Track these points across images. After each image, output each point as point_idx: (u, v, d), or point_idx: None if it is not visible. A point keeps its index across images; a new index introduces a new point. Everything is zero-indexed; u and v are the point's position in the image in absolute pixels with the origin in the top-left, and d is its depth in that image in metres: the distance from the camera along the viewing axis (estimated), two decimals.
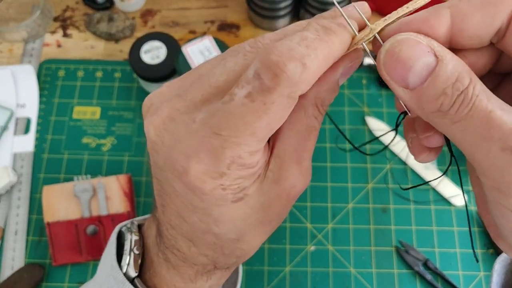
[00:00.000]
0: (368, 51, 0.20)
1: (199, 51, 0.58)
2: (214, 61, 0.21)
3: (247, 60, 0.19)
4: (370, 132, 0.62)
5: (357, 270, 0.56)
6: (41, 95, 0.65)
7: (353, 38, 0.19)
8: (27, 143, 0.62)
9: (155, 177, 0.22)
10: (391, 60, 0.17)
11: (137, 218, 0.30)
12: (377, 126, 0.62)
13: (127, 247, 0.27)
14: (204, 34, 0.69)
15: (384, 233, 0.57)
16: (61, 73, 0.67)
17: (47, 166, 0.61)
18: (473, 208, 0.58)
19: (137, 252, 0.27)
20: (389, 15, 0.20)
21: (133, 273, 0.26)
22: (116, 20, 0.69)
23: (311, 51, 0.17)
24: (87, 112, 0.64)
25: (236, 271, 0.33)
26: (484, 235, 0.57)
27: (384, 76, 0.18)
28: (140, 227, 0.29)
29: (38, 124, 0.64)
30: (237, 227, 0.22)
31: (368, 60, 0.65)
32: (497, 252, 0.56)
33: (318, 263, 0.56)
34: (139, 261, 0.26)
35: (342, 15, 0.19)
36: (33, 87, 0.65)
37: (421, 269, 0.55)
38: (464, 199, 0.25)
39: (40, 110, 0.64)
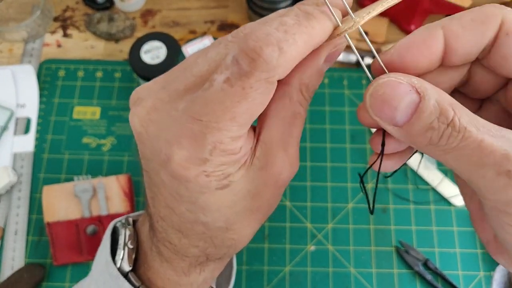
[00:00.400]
0: (351, 44, 0.20)
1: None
2: (198, 53, 0.21)
3: (228, 49, 0.19)
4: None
5: (357, 270, 0.56)
6: (41, 95, 0.65)
7: (335, 29, 0.19)
8: (27, 143, 0.62)
9: (144, 169, 0.22)
10: (376, 102, 0.18)
11: (132, 214, 0.30)
12: None
13: (121, 241, 0.27)
14: (204, 34, 0.69)
15: (384, 233, 0.57)
16: (61, 73, 0.67)
17: (47, 166, 0.61)
18: None
19: (131, 246, 0.27)
20: (372, 5, 0.20)
21: (127, 268, 0.26)
22: (116, 20, 0.69)
23: (289, 36, 0.18)
24: (87, 112, 0.64)
25: (231, 265, 0.33)
26: None
27: (372, 117, 0.18)
28: (134, 222, 0.29)
29: (38, 124, 0.64)
30: (224, 215, 0.22)
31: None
32: None
33: (318, 263, 0.56)
34: (133, 255, 0.27)
35: (326, 3, 0.19)
36: (33, 87, 0.65)
37: (421, 269, 0.55)
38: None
39: (40, 110, 0.64)
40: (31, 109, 0.64)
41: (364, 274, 0.56)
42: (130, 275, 0.26)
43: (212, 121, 0.18)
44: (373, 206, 0.23)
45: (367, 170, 0.23)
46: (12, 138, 0.62)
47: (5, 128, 0.62)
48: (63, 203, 0.56)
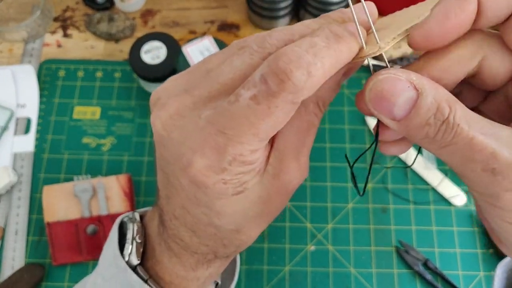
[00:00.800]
0: (370, 64, 0.21)
1: (199, 51, 0.58)
2: (221, 56, 0.21)
3: (254, 60, 0.20)
4: (370, 132, 0.62)
5: (357, 270, 0.56)
6: (41, 95, 0.65)
7: (360, 50, 0.20)
8: (27, 143, 0.62)
9: (161, 169, 0.23)
10: (375, 97, 0.19)
11: (138, 210, 0.31)
12: None
13: (129, 235, 0.27)
14: (204, 34, 0.69)
15: (384, 233, 0.57)
16: (61, 73, 0.67)
17: (47, 166, 0.61)
18: (473, 208, 0.58)
19: (139, 240, 0.27)
20: (396, 27, 0.20)
21: (135, 261, 0.27)
22: (116, 20, 0.69)
23: (318, 59, 0.18)
24: (87, 112, 0.64)
25: (234, 261, 0.34)
26: (484, 235, 0.57)
27: (372, 111, 0.19)
28: (142, 218, 0.29)
29: (38, 124, 0.64)
30: (237, 220, 0.22)
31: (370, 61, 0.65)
32: (497, 252, 0.56)
33: (318, 263, 0.56)
34: (141, 249, 0.27)
35: (355, 22, 0.19)
36: (33, 87, 0.65)
37: (421, 269, 0.55)
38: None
39: (40, 110, 0.64)
40: (31, 109, 0.64)
41: (364, 274, 0.56)
42: (139, 269, 0.27)
43: (236, 135, 0.19)
44: (365, 188, 0.24)
45: (360, 156, 0.25)
46: (12, 138, 0.62)
47: (5, 128, 0.62)
48: (63, 203, 0.56)
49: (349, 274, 0.56)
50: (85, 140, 0.63)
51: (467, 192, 0.59)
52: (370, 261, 0.56)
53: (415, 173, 0.60)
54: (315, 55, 0.18)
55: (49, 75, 0.67)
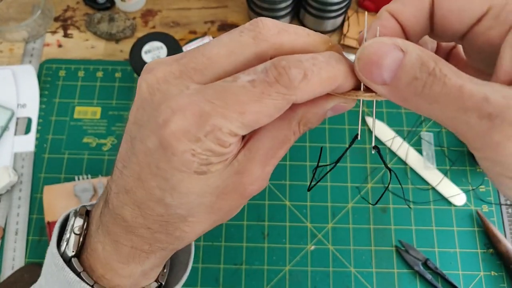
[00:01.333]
0: (360, 110, 0.23)
1: None
2: (214, 41, 0.22)
3: (243, 37, 0.21)
4: (370, 132, 0.63)
5: (357, 269, 0.56)
6: (41, 95, 0.65)
7: (355, 89, 0.22)
8: (27, 143, 0.62)
9: (129, 135, 0.23)
10: (364, 64, 0.20)
11: (89, 203, 0.30)
12: (377, 126, 0.62)
13: (68, 228, 0.27)
14: (204, 34, 0.69)
15: (384, 233, 0.57)
16: (62, 73, 0.67)
17: (47, 166, 0.61)
18: (473, 208, 0.59)
19: (78, 232, 0.27)
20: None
21: (70, 253, 0.26)
22: (117, 20, 0.69)
23: (315, 68, 0.20)
24: (87, 112, 0.64)
25: (189, 253, 0.32)
26: (484, 235, 0.57)
27: (363, 80, 0.20)
28: (90, 212, 0.28)
29: (39, 124, 0.64)
30: (189, 203, 0.22)
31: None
32: (497, 252, 0.56)
33: (318, 262, 0.56)
34: (80, 241, 0.27)
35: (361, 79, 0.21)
36: (34, 87, 0.65)
37: (421, 268, 0.55)
38: None
39: (41, 110, 0.64)
40: (31, 109, 0.64)
41: (364, 274, 0.56)
42: (73, 261, 0.26)
43: (222, 106, 0.19)
44: (337, 162, 0.25)
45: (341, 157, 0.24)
46: (12, 138, 0.62)
47: (5, 128, 0.62)
48: (63, 203, 0.56)
49: (349, 273, 0.56)
50: (86, 140, 0.63)
51: (467, 192, 0.59)
52: (370, 261, 0.56)
53: (415, 173, 0.60)
54: (314, 64, 0.20)
55: (49, 75, 0.67)
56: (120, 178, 0.23)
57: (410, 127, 0.63)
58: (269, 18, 0.21)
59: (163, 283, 0.30)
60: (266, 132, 0.22)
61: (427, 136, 0.62)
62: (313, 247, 0.57)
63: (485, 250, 0.56)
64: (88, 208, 0.29)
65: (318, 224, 0.58)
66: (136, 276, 0.26)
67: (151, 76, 0.21)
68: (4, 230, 0.58)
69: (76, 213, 0.27)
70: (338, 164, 0.61)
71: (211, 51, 0.21)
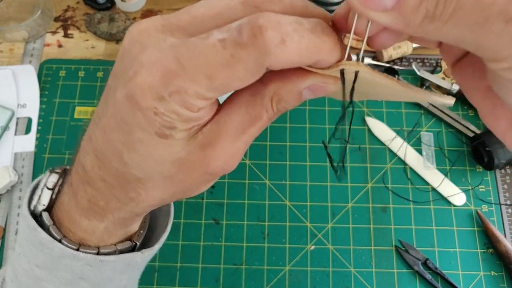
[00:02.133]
0: (342, 84, 0.20)
1: None
2: (203, 1, 0.22)
3: (233, 2, 0.20)
4: (370, 132, 0.63)
5: (357, 269, 0.56)
6: (42, 95, 0.65)
7: (339, 60, 0.19)
8: (28, 143, 0.62)
9: (108, 85, 0.22)
10: None
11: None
12: (377, 126, 0.62)
13: (41, 184, 0.26)
14: None
15: (384, 232, 0.58)
16: (62, 73, 0.67)
17: (47, 166, 0.61)
18: (473, 207, 0.59)
19: (50, 187, 0.26)
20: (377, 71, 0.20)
21: (40, 208, 0.26)
22: (117, 20, 0.69)
23: (296, 34, 0.17)
24: (88, 112, 0.64)
25: (168, 213, 0.31)
26: (484, 235, 0.57)
27: (362, 11, 0.17)
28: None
29: (39, 124, 0.64)
30: (147, 167, 0.21)
31: (368, 60, 0.65)
32: (497, 252, 0.56)
33: (318, 262, 0.56)
34: (52, 196, 0.26)
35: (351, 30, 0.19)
36: (34, 87, 0.65)
37: (421, 268, 0.55)
38: None
39: (41, 110, 0.64)
40: (32, 109, 0.64)
41: (364, 274, 0.56)
42: (43, 215, 0.26)
43: (189, 68, 0.18)
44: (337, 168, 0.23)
45: (333, 133, 0.23)
46: (13, 138, 0.62)
47: (6, 128, 0.62)
48: None
49: (349, 273, 0.56)
50: None
51: (466, 192, 0.59)
52: (370, 260, 0.56)
53: (415, 173, 0.60)
54: (296, 30, 0.18)
55: (49, 75, 0.67)
56: (91, 125, 0.23)
57: (410, 127, 0.63)
58: None
59: (138, 243, 0.29)
60: (236, 106, 0.21)
61: (427, 136, 0.62)
62: (313, 247, 0.57)
63: (485, 250, 0.56)
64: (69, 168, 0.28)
65: (318, 224, 0.58)
66: (99, 233, 0.26)
67: (135, 29, 0.21)
68: (4, 230, 0.58)
69: (52, 170, 0.27)
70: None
71: (198, 10, 0.20)
